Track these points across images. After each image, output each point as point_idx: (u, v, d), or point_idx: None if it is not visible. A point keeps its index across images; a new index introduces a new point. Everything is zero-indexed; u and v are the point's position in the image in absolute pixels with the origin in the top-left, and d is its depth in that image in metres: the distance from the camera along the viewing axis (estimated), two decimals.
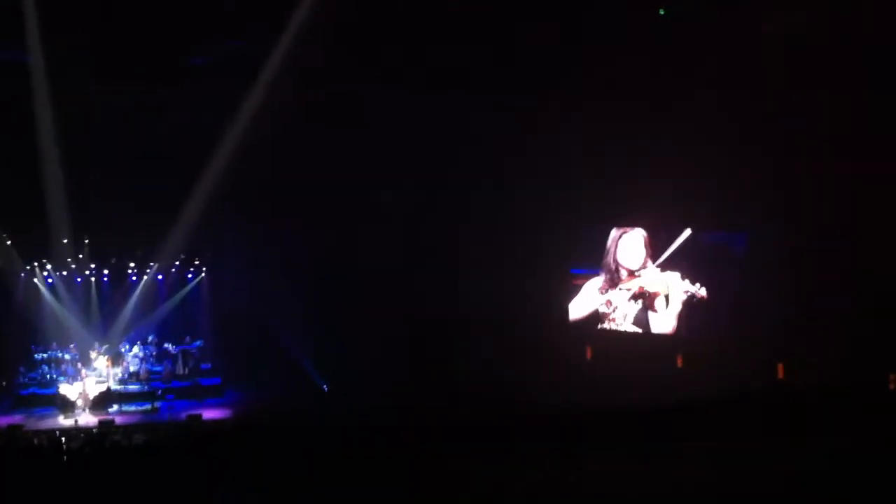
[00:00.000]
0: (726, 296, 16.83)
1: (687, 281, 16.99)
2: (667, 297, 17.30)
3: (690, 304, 16.96)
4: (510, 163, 17.94)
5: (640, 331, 17.48)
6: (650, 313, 17.37)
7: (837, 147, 15.90)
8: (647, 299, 17.46)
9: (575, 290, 18.36)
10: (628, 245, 17.71)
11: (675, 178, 16.36)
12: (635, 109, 16.69)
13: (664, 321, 17.19)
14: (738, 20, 16.33)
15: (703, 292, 16.81)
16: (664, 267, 17.27)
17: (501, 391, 15.54)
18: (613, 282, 17.83)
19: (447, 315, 18.28)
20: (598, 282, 18.03)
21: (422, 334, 18.24)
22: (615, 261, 17.77)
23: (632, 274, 17.63)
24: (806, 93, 15.83)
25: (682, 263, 17.16)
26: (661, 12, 16.48)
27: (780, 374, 15.96)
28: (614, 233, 17.83)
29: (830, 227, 15.89)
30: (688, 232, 17.03)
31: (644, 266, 17.49)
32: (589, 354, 17.82)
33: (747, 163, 16.40)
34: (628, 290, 17.62)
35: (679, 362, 16.85)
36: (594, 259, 18.12)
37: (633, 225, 17.70)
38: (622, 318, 17.66)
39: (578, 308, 18.24)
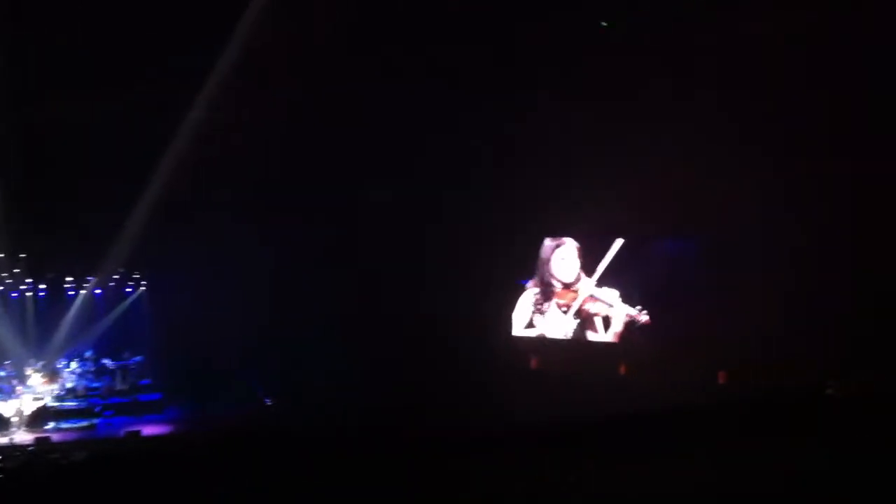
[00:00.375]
0: (672, 306, 16.93)
1: (627, 305, 16.85)
2: (606, 318, 17.12)
3: (632, 325, 16.85)
4: (455, 169, 17.95)
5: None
6: (589, 332, 17.21)
7: (788, 151, 16.17)
8: (585, 318, 17.26)
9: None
10: (562, 257, 17.53)
11: (622, 186, 16.55)
12: (595, 114, 16.83)
13: (604, 338, 17.15)
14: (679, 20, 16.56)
15: (644, 318, 16.66)
16: (601, 282, 17.25)
17: (454, 403, 15.57)
18: (547, 295, 17.70)
19: (396, 326, 18.21)
20: (532, 293, 17.91)
21: (369, 346, 18.12)
22: (550, 273, 17.60)
23: (567, 287, 17.56)
24: (751, 96, 16.10)
25: (623, 278, 17.17)
26: (604, 24, 16.70)
27: (721, 381, 16.14)
28: (548, 243, 17.67)
29: (786, 231, 16.18)
30: (619, 242, 16.95)
31: (578, 279, 17.35)
32: (534, 364, 17.74)
33: (700, 168, 16.57)
34: (563, 304, 17.53)
35: (622, 370, 16.85)
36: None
37: (575, 235, 17.60)
38: (560, 332, 17.48)
39: (518, 319, 18.16)
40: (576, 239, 17.50)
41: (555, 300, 17.52)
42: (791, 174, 16.05)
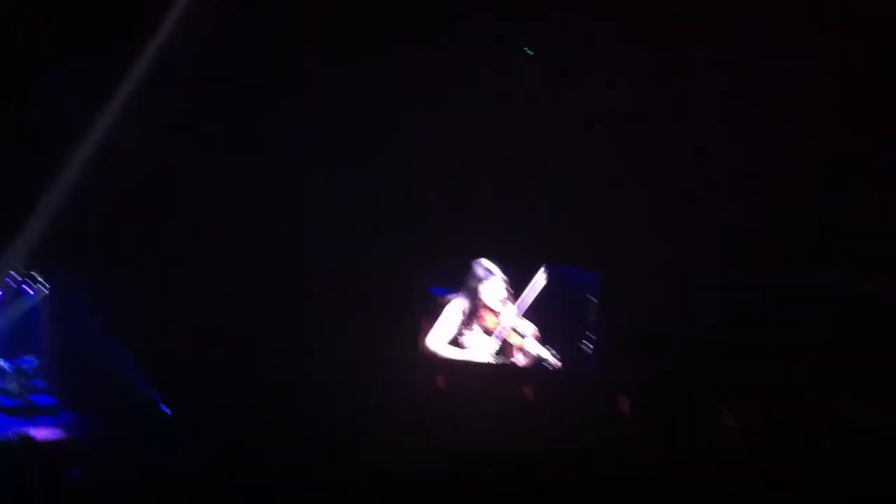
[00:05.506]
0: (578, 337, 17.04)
1: (539, 344, 16.50)
2: (523, 350, 17.00)
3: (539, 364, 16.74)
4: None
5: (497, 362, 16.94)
6: (507, 360, 17.06)
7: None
8: (505, 346, 17.14)
9: (435, 312, 17.20)
10: (490, 288, 17.29)
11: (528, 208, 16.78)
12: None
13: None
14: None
15: (555, 362, 16.33)
16: (523, 312, 17.01)
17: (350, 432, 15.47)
18: (473, 315, 17.30)
19: (290, 337, 18.03)
20: (459, 308, 17.10)
21: (265, 357, 17.84)
22: (478, 297, 17.21)
23: (493, 311, 17.18)
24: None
25: (535, 315, 16.84)
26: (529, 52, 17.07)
27: (626, 410, 16.34)
28: (479, 272, 16.82)
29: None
30: (542, 279, 16.75)
31: (504, 305, 17.09)
32: (441, 383, 17.49)
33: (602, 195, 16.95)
34: (487, 329, 17.22)
35: (529, 393, 16.82)
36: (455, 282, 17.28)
37: (493, 255, 17.05)
38: (482, 356, 16.82)
39: (440, 334, 16.92)
40: (504, 264, 17.34)
41: (481, 322, 17.23)
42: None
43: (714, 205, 17.08)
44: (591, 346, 16.79)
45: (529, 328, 16.68)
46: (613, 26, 17.07)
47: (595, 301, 17.27)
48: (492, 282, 16.80)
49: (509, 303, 16.87)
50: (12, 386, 18.60)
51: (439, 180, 17.83)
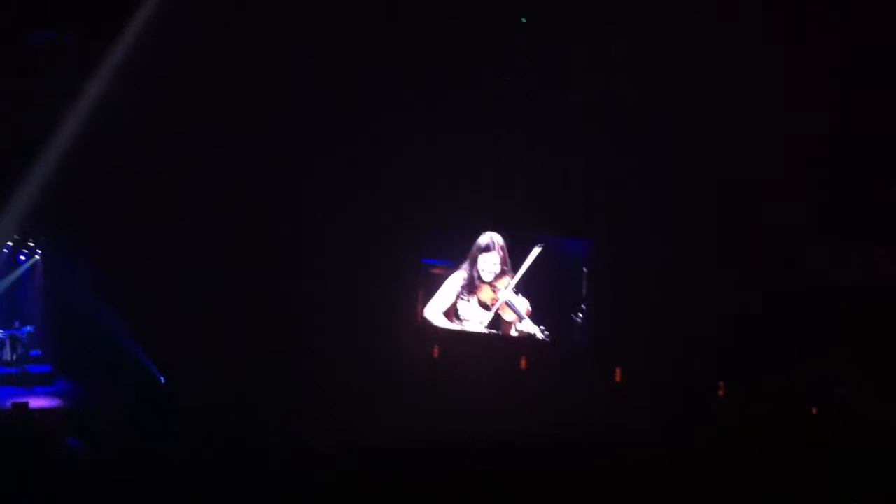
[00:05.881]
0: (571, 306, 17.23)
1: (531, 321, 17.11)
2: (517, 326, 17.33)
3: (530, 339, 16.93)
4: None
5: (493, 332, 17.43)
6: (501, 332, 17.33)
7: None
8: (501, 322, 17.44)
9: (430, 281, 18.03)
10: (488, 260, 17.64)
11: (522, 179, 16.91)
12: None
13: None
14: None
15: (543, 338, 16.88)
16: (518, 287, 17.35)
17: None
18: (471, 288, 17.70)
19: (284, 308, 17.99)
20: (460, 278, 17.80)
21: (258, 327, 17.89)
22: (477, 270, 17.61)
23: (490, 285, 17.56)
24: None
25: (531, 287, 17.30)
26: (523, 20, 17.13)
27: (618, 378, 16.52)
28: (480, 242, 17.63)
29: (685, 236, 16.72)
30: (537, 250, 17.16)
31: (501, 276, 17.44)
32: (436, 353, 17.61)
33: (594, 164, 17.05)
34: (484, 302, 17.53)
35: (523, 364, 17.02)
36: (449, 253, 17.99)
37: (491, 228, 17.66)
38: (477, 327, 17.47)
39: (437, 304, 17.89)
40: (503, 237, 17.59)
41: (477, 295, 17.46)
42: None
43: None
44: (581, 317, 16.87)
45: (524, 305, 17.02)
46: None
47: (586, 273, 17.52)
48: (490, 255, 17.12)
49: (506, 277, 17.22)
50: (8, 355, 18.62)
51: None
